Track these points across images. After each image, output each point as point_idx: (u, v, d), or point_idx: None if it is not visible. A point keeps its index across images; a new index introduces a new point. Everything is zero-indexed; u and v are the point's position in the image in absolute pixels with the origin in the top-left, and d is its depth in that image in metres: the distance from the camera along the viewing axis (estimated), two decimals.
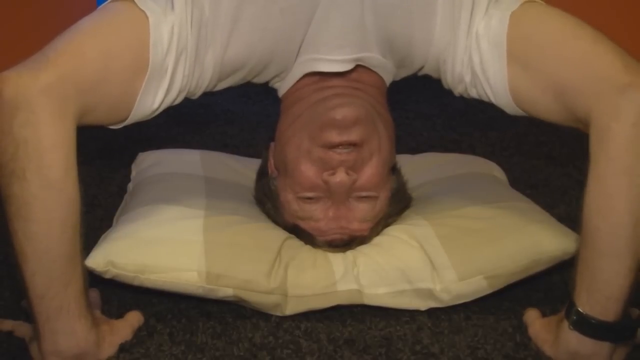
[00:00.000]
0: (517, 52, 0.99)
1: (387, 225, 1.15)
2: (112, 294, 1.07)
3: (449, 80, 1.08)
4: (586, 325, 0.92)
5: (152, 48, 0.94)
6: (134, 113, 0.97)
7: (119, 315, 1.02)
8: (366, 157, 1.07)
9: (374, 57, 1.07)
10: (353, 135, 1.04)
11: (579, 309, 0.92)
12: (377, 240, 1.13)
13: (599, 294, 0.91)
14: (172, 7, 0.96)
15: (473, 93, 1.06)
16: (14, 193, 0.85)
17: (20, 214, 0.86)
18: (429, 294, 1.07)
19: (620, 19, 1.74)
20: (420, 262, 1.08)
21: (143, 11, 0.95)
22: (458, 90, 1.08)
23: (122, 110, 0.97)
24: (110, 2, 0.97)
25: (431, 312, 1.07)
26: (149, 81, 0.96)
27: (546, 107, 0.99)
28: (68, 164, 0.87)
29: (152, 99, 0.98)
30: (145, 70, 0.95)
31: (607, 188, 0.89)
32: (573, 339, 0.93)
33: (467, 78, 1.05)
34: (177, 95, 1.00)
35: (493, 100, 1.04)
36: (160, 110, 1.00)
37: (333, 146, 1.05)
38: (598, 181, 0.90)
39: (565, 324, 0.94)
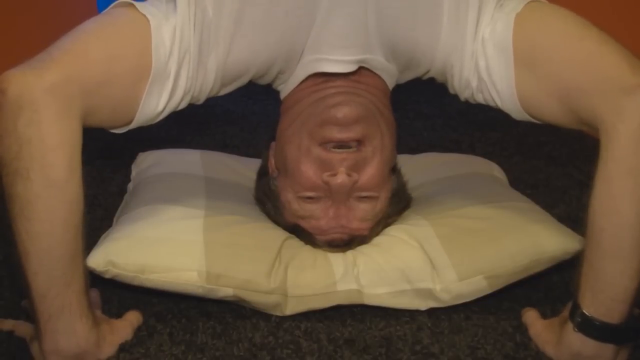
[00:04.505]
0: (523, 56, 0.98)
1: (387, 225, 1.15)
2: (112, 294, 1.07)
3: (455, 85, 1.08)
4: (590, 327, 0.92)
5: (154, 51, 0.94)
6: (138, 116, 0.97)
7: (119, 315, 1.02)
8: (368, 157, 1.07)
9: (377, 60, 1.07)
10: (353, 133, 1.04)
11: (584, 311, 0.92)
12: (377, 240, 1.13)
13: (604, 295, 0.91)
14: (175, 10, 0.96)
15: (479, 98, 1.06)
16: (17, 192, 0.86)
17: (24, 213, 0.86)
18: (429, 294, 1.07)
19: (620, 18, 1.74)
20: (420, 262, 1.08)
21: (144, 15, 0.95)
22: (464, 95, 1.08)
23: (126, 113, 0.97)
24: (112, 7, 0.97)
25: (431, 312, 1.07)
26: (152, 84, 0.96)
27: (552, 110, 0.99)
28: (72, 164, 0.87)
29: (156, 102, 0.98)
30: (148, 74, 0.95)
31: (613, 189, 0.89)
32: (576, 341, 0.93)
33: (474, 83, 1.05)
34: (182, 99, 1.00)
35: (500, 105, 1.03)
36: (165, 114, 1.00)
37: (333, 141, 1.04)
38: (604, 182, 0.90)
39: (569, 325, 0.94)
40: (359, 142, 1.05)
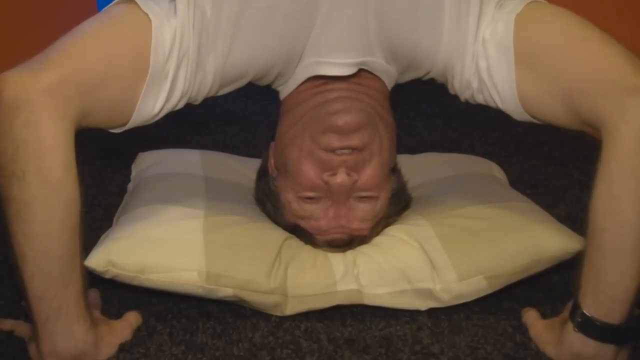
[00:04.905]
0: (524, 56, 0.98)
1: (387, 225, 1.15)
2: (112, 294, 1.07)
3: (456, 86, 1.08)
4: (591, 328, 0.92)
5: (153, 52, 0.94)
6: (134, 117, 0.97)
7: (119, 315, 1.02)
8: (367, 158, 1.07)
9: (378, 62, 1.07)
10: (354, 141, 1.04)
11: (584, 311, 0.92)
12: (377, 240, 1.13)
13: (605, 295, 0.91)
14: (175, 12, 0.96)
15: (480, 99, 1.06)
16: (13, 194, 0.85)
17: (20, 215, 0.86)
18: (429, 294, 1.07)
19: (620, 18, 1.74)
20: (420, 262, 1.08)
21: (146, 14, 0.94)
22: (465, 96, 1.08)
23: (123, 113, 0.96)
24: (113, 4, 0.97)
25: (431, 312, 1.07)
26: (149, 85, 0.95)
27: (554, 111, 0.99)
28: (67, 165, 0.87)
29: (153, 104, 0.97)
30: (145, 74, 0.94)
31: (615, 189, 0.89)
32: (577, 341, 0.93)
33: (475, 84, 1.05)
34: (179, 101, 1.00)
35: (500, 105, 1.03)
36: (162, 115, 1.00)
37: (333, 150, 1.05)
38: (606, 182, 0.90)
39: (570, 325, 0.94)
40: (358, 149, 1.05)
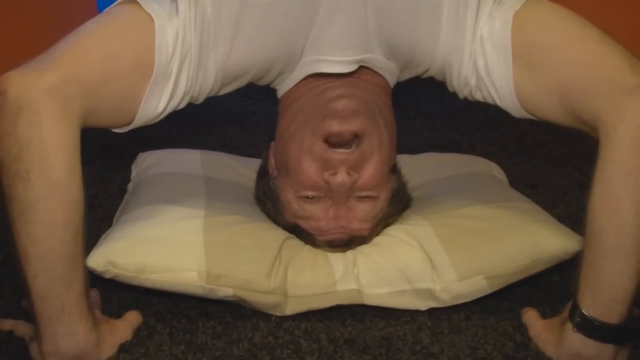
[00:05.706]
0: (522, 54, 0.98)
1: (387, 225, 1.15)
2: (112, 294, 1.07)
3: (454, 84, 1.08)
4: (590, 327, 0.92)
5: (157, 52, 0.94)
6: (138, 117, 0.97)
7: (119, 315, 1.02)
8: (367, 155, 1.07)
9: (377, 59, 1.07)
10: (353, 125, 1.04)
11: (583, 311, 0.92)
12: (377, 240, 1.13)
13: (603, 295, 0.91)
14: (177, 11, 0.96)
15: (478, 96, 1.06)
16: (17, 194, 0.85)
17: (23, 215, 0.86)
18: (429, 294, 1.07)
19: (620, 18, 1.74)
20: (420, 262, 1.08)
21: (149, 14, 0.95)
22: (463, 93, 1.08)
23: (127, 113, 0.97)
24: (115, 5, 0.97)
25: (431, 312, 1.07)
26: (154, 85, 0.96)
27: (552, 109, 0.99)
28: (71, 165, 0.87)
29: (157, 103, 0.98)
30: (149, 74, 0.95)
31: (614, 189, 0.89)
32: (576, 341, 0.93)
33: (473, 81, 1.05)
34: (181, 100, 1.00)
35: (498, 102, 1.03)
36: (165, 114, 1.00)
37: (332, 134, 1.04)
38: (604, 182, 0.90)
39: (569, 325, 0.94)
40: (357, 139, 1.05)
